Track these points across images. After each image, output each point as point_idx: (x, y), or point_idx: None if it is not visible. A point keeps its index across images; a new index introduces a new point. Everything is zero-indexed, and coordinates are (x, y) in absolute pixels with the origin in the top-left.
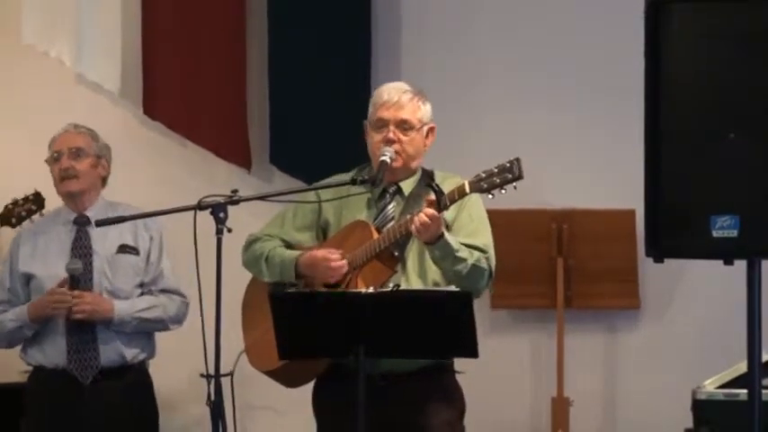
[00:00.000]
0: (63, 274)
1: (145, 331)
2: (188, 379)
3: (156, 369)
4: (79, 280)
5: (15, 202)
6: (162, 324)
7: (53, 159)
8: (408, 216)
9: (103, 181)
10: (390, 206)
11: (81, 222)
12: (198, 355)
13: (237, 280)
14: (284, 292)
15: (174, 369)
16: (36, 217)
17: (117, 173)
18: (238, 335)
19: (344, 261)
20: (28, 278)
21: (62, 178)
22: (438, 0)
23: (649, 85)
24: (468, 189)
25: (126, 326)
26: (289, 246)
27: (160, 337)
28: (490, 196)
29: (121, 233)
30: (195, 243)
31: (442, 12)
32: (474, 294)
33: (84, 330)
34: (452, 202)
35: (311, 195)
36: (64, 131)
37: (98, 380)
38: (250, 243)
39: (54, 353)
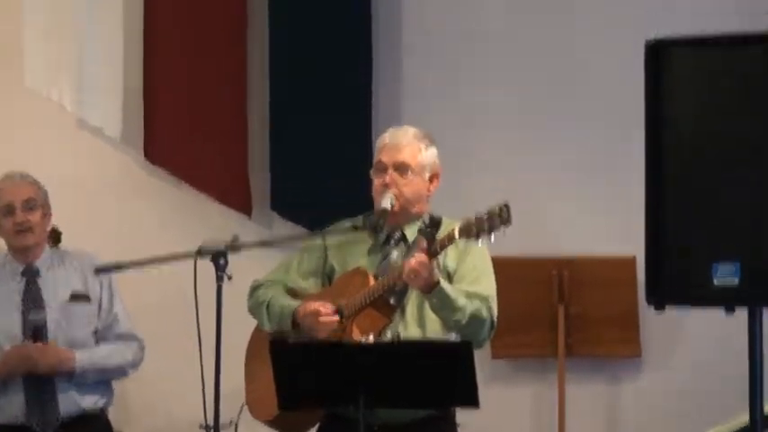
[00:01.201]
0: (15, 331)
1: (105, 379)
2: (188, 430)
3: (154, 419)
4: (42, 331)
5: None
6: (121, 371)
7: (5, 212)
8: (402, 263)
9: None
10: (394, 253)
11: (30, 274)
12: (197, 405)
13: (238, 328)
14: (283, 341)
15: (173, 419)
16: None
17: (118, 217)
18: (240, 384)
19: (335, 318)
20: None
21: (17, 232)
22: (438, 46)
23: (650, 129)
24: (457, 235)
25: (87, 376)
26: (293, 292)
27: (159, 387)
28: (479, 242)
29: (70, 281)
30: (195, 290)
31: (443, 57)
32: (475, 344)
33: (42, 382)
34: (443, 248)
35: (317, 241)
36: (10, 182)
37: None
38: (254, 289)
39: (12, 408)
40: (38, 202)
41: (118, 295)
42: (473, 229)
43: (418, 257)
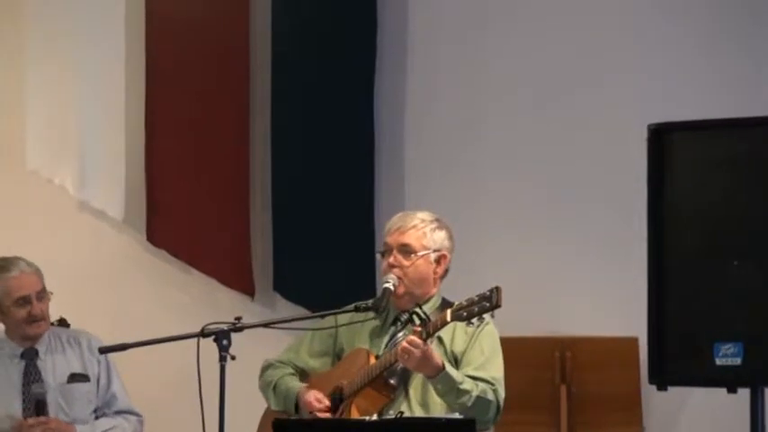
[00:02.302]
0: (16, 412)
1: None
2: None
3: None
4: (45, 404)
5: None
6: None
7: (18, 303)
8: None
9: None
10: (400, 334)
11: (29, 356)
12: None
13: (241, 407)
14: (285, 419)
15: None
16: None
17: (120, 299)
18: None
19: (324, 405)
20: None
21: (31, 322)
22: (441, 129)
23: (652, 212)
24: (449, 318)
25: None
26: (302, 372)
27: None
28: (471, 324)
29: (69, 361)
30: (198, 371)
31: (445, 141)
32: (480, 426)
33: None
34: (435, 330)
35: (329, 321)
36: (21, 273)
37: None
38: (264, 369)
39: None
40: (46, 290)
41: (115, 372)
42: (463, 313)
43: (410, 338)
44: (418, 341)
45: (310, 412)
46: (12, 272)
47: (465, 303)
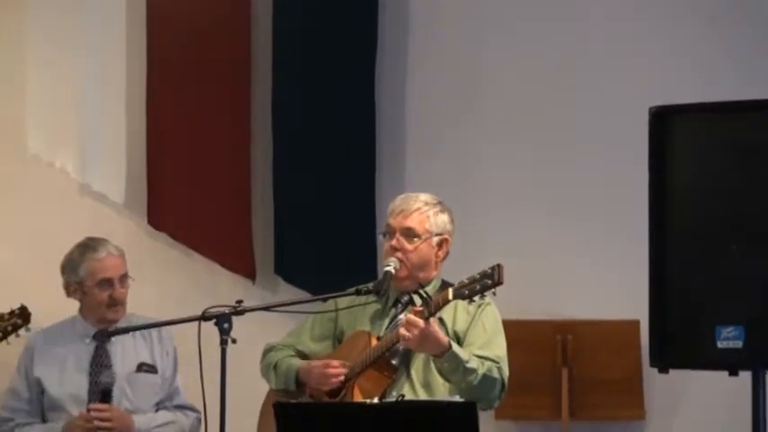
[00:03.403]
0: (82, 394)
1: None
2: None
3: None
4: (111, 393)
5: (0, 317)
6: None
7: (101, 285)
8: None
9: None
10: (402, 316)
11: (101, 338)
12: None
13: (242, 391)
14: (286, 402)
15: None
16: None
17: None
18: None
19: (342, 369)
20: (43, 389)
21: (110, 305)
22: (441, 104)
23: (653, 195)
24: (450, 296)
25: None
26: (304, 356)
27: None
28: (473, 302)
29: (139, 351)
30: (200, 354)
31: (446, 115)
32: (485, 405)
33: None
34: (437, 309)
35: (330, 305)
36: (108, 255)
37: None
38: (266, 352)
39: None
40: (128, 275)
41: (179, 367)
42: (465, 291)
43: (409, 316)
44: (417, 320)
45: (325, 370)
46: (99, 252)
47: (466, 281)
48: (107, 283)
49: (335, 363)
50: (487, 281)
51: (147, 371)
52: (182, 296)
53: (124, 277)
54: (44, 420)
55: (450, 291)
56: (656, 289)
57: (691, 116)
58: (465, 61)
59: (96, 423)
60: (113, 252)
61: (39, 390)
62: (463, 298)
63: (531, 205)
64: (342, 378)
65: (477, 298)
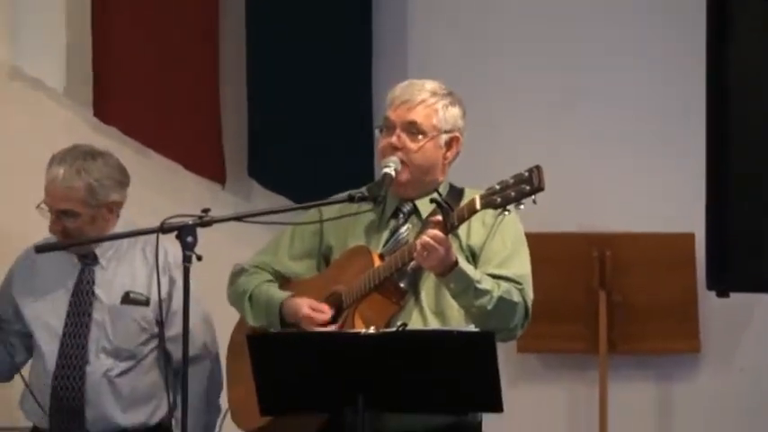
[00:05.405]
0: (58, 324)
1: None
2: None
3: None
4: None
5: None
6: (207, 401)
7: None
8: (413, 239)
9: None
10: (403, 229)
11: (87, 260)
12: None
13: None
14: (260, 334)
15: None
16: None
17: None
18: None
19: (328, 314)
20: (18, 311)
21: (65, 236)
22: None
23: (711, 87)
24: (478, 205)
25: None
26: (283, 278)
27: None
28: (506, 212)
29: (134, 275)
30: (158, 273)
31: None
32: (505, 335)
33: (71, 394)
34: (461, 220)
35: (312, 215)
36: (53, 180)
37: None
38: (235, 275)
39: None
40: (78, 211)
41: (195, 302)
42: (497, 198)
43: (431, 232)
44: (442, 236)
45: (310, 325)
46: (50, 171)
47: (497, 188)
48: (47, 208)
49: (319, 312)
50: (525, 186)
51: (133, 302)
52: (136, 204)
53: (67, 214)
54: (10, 345)
55: (478, 199)
56: (714, 197)
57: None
58: None
59: None
60: (58, 177)
61: (13, 311)
62: (495, 207)
63: (561, 96)
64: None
65: (512, 207)
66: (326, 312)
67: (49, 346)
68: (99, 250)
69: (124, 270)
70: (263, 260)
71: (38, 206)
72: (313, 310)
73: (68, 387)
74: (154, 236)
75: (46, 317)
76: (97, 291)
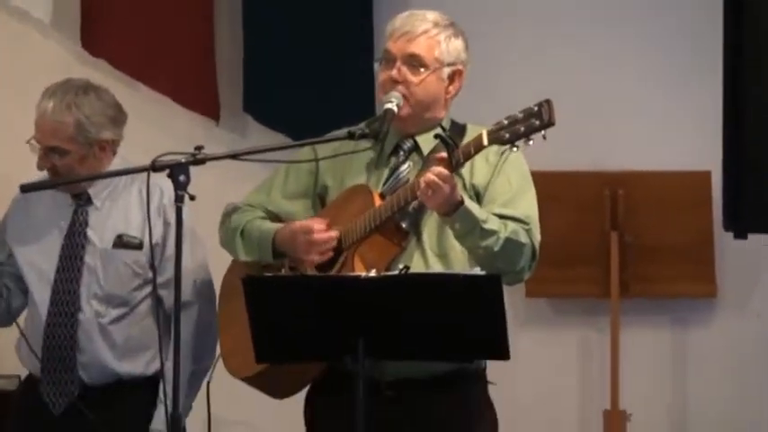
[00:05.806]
0: (50, 269)
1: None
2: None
3: None
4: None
5: None
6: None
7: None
8: (415, 177)
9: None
10: (404, 167)
11: (81, 200)
12: None
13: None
14: (258, 276)
15: None
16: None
17: None
18: None
19: (333, 233)
20: (10, 254)
21: (54, 174)
22: None
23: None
24: (485, 141)
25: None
26: (276, 218)
27: None
28: (515, 149)
29: (129, 217)
30: (148, 213)
31: None
32: (512, 278)
33: (62, 343)
34: (467, 157)
35: (306, 153)
36: (42, 113)
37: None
38: (227, 215)
39: (31, 357)
40: (67, 149)
41: (190, 238)
42: (505, 134)
43: (436, 170)
44: (447, 173)
45: (311, 237)
46: (40, 105)
47: (506, 122)
48: (36, 143)
49: (320, 225)
50: (534, 121)
51: (125, 246)
52: (126, 140)
53: (55, 151)
54: (6, 288)
55: (485, 134)
56: (731, 132)
57: None
58: None
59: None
60: (47, 111)
61: (6, 254)
62: (503, 143)
63: (569, 24)
64: (333, 244)
65: (521, 143)
66: (328, 232)
67: (40, 294)
68: (93, 190)
69: (118, 212)
70: (257, 199)
71: (28, 141)
72: (311, 231)
73: (60, 335)
74: (151, 175)
75: (38, 261)
76: (90, 233)
